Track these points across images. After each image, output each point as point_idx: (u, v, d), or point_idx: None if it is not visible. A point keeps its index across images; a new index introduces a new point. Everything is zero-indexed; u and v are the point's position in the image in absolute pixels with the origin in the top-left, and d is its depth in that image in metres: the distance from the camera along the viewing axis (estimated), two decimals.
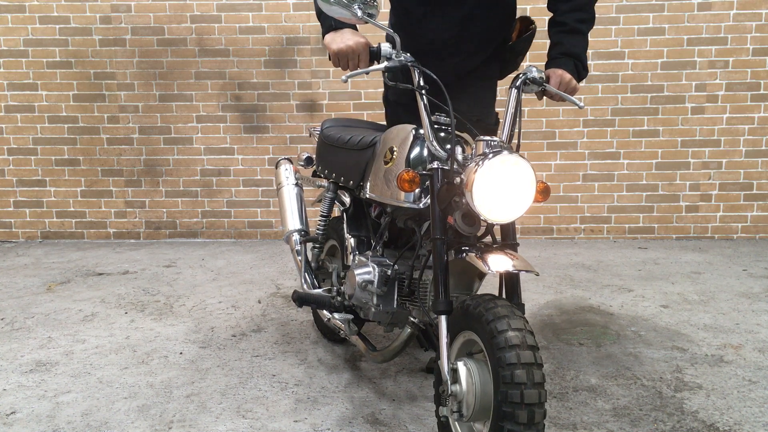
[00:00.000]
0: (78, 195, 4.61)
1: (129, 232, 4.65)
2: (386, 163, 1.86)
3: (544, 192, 1.57)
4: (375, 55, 1.75)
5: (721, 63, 4.28)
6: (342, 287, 2.13)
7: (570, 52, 1.92)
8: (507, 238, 1.62)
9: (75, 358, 2.45)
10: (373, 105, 4.44)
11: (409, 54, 1.73)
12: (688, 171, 4.41)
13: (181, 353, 2.49)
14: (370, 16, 1.66)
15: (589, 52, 2.06)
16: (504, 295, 1.62)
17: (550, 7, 2.03)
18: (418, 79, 1.73)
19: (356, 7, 1.64)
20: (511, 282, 1.60)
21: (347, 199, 2.31)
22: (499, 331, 1.39)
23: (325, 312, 2.32)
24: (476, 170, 1.48)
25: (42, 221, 4.64)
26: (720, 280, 3.43)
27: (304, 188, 2.71)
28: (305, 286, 2.42)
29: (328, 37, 1.81)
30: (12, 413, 2.00)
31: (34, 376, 2.29)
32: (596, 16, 2.02)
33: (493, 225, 1.63)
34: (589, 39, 2.03)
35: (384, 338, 2.61)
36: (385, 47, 1.73)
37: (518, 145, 1.68)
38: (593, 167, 4.44)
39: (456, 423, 1.58)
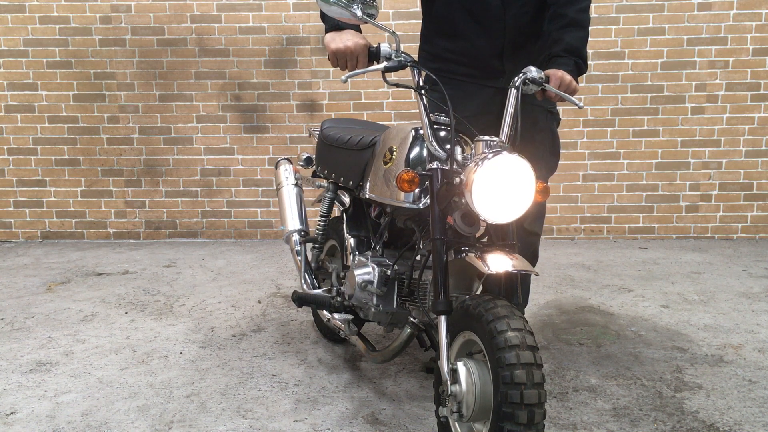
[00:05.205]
0: (78, 195, 4.61)
1: (129, 232, 4.65)
2: (386, 163, 1.86)
3: (543, 192, 1.57)
4: (374, 55, 1.75)
5: (721, 63, 4.28)
6: (342, 287, 2.13)
7: (571, 48, 1.91)
8: (506, 238, 1.62)
9: (75, 358, 2.45)
10: (373, 105, 4.45)
11: (408, 54, 1.73)
12: (688, 171, 4.41)
13: (181, 353, 2.49)
14: (370, 16, 1.66)
15: (589, 52, 2.05)
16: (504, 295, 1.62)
17: None
18: (417, 79, 1.74)
19: (356, 7, 1.64)
20: (510, 282, 1.60)
21: (347, 200, 2.31)
22: (499, 332, 1.39)
23: (325, 312, 2.32)
24: (476, 170, 1.48)
25: (42, 221, 4.65)
26: (720, 280, 3.43)
27: (304, 188, 2.71)
28: (305, 286, 2.42)
29: (328, 36, 1.81)
30: (12, 413, 2.00)
31: (34, 376, 2.29)
32: (596, 16, 2.01)
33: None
34: (589, 39, 2.03)
35: (384, 338, 2.61)
36: (385, 47, 1.72)
37: (517, 145, 1.67)
38: (593, 167, 4.44)
39: (456, 423, 1.58)
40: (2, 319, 2.90)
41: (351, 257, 2.18)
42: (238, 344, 2.57)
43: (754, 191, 4.40)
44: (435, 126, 1.72)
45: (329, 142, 2.33)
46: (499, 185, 1.49)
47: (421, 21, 2.26)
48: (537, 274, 1.63)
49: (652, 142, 4.39)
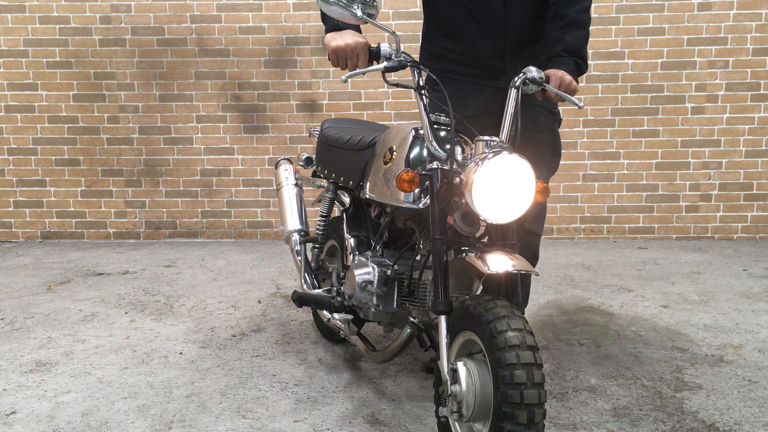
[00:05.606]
0: (78, 195, 4.61)
1: (129, 232, 4.65)
2: (386, 163, 1.86)
3: (543, 192, 1.57)
4: (374, 55, 1.75)
5: (721, 63, 4.28)
6: (342, 287, 2.13)
7: (571, 49, 1.91)
8: (506, 238, 1.62)
9: (75, 358, 2.45)
10: (373, 105, 4.44)
11: (408, 54, 1.73)
12: (688, 171, 4.41)
13: (181, 353, 2.49)
14: (370, 16, 1.66)
15: (589, 51, 2.05)
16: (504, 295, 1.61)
17: None
18: (417, 79, 1.74)
19: (356, 7, 1.64)
20: (510, 282, 1.60)
21: (347, 199, 2.31)
22: (499, 332, 1.39)
23: (325, 312, 2.32)
24: (476, 170, 1.48)
25: (42, 221, 4.65)
26: (720, 280, 3.43)
27: (304, 188, 2.71)
28: (305, 286, 2.42)
29: (328, 36, 1.81)
30: (12, 413, 2.00)
31: (34, 376, 2.29)
32: (596, 16, 2.01)
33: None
34: (590, 39, 2.03)
35: (384, 338, 2.61)
36: (385, 47, 1.72)
37: (517, 145, 1.67)
38: (593, 167, 4.44)
39: (456, 423, 1.58)
40: (2, 319, 2.90)
41: (351, 257, 2.18)
42: (238, 344, 2.57)
43: (754, 191, 4.40)
44: (435, 126, 1.72)
45: (329, 142, 2.33)
46: (499, 185, 1.49)
47: (421, 21, 2.26)
48: (537, 274, 1.63)
49: (652, 142, 4.39)
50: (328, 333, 2.57)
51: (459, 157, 1.67)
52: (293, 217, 2.61)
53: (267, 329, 2.74)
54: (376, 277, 1.90)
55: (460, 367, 1.50)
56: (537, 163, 1.67)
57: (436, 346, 1.80)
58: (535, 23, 2.06)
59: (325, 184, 2.41)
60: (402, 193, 1.76)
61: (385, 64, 1.70)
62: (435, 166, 1.65)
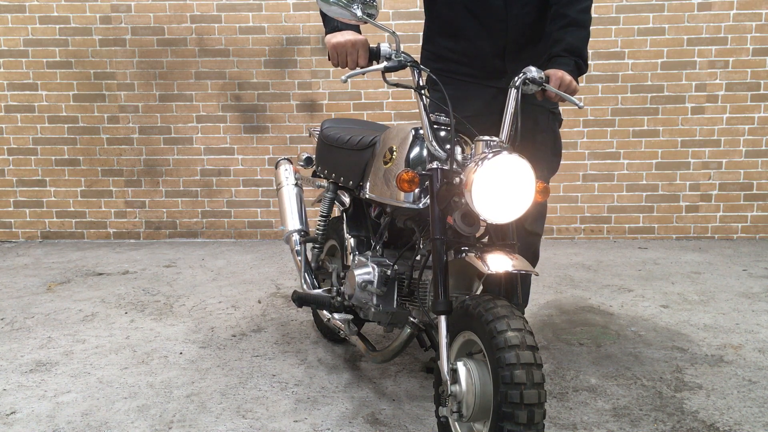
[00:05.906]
0: (78, 195, 4.61)
1: (129, 232, 4.65)
2: (386, 163, 1.86)
3: (543, 192, 1.57)
4: (374, 55, 1.75)
5: (721, 63, 4.28)
6: (342, 287, 2.13)
7: (572, 48, 1.91)
8: (506, 238, 1.62)
9: (75, 358, 2.45)
10: (373, 105, 4.44)
11: (408, 54, 1.73)
12: (688, 171, 4.41)
13: (181, 353, 2.49)
14: (370, 16, 1.66)
15: (590, 51, 2.05)
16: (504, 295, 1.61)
17: None
18: (417, 79, 1.74)
19: (356, 7, 1.64)
20: (510, 282, 1.60)
21: (347, 199, 2.31)
22: (499, 332, 1.39)
23: (325, 312, 2.32)
24: (475, 170, 1.48)
25: (42, 221, 4.65)
26: (720, 280, 3.43)
27: (304, 188, 2.71)
28: (305, 286, 2.42)
29: (328, 36, 1.82)
30: (12, 413, 2.00)
31: (34, 376, 2.29)
32: (596, 16, 2.01)
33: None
34: (590, 39, 2.03)
35: (384, 338, 2.61)
36: (385, 47, 1.72)
37: (517, 145, 1.67)
38: (593, 167, 4.44)
39: (456, 423, 1.58)
40: (2, 319, 2.90)
41: (351, 257, 2.18)
42: (238, 344, 2.57)
43: (754, 191, 4.40)
44: (435, 126, 1.72)
45: (329, 142, 2.33)
46: (498, 185, 1.49)
47: (421, 21, 2.26)
48: (537, 274, 1.63)
49: (652, 142, 4.39)
50: (328, 333, 2.57)
51: (459, 157, 1.67)
52: (293, 217, 2.61)
53: (267, 329, 2.74)
54: (376, 277, 1.90)
55: (460, 367, 1.50)
56: (537, 163, 1.67)
57: (436, 346, 1.81)
58: (535, 23, 2.06)
59: (325, 184, 2.41)
60: (402, 193, 1.76)
61: (385, 64, 1.70)
62: (435, 166, 1.65)
